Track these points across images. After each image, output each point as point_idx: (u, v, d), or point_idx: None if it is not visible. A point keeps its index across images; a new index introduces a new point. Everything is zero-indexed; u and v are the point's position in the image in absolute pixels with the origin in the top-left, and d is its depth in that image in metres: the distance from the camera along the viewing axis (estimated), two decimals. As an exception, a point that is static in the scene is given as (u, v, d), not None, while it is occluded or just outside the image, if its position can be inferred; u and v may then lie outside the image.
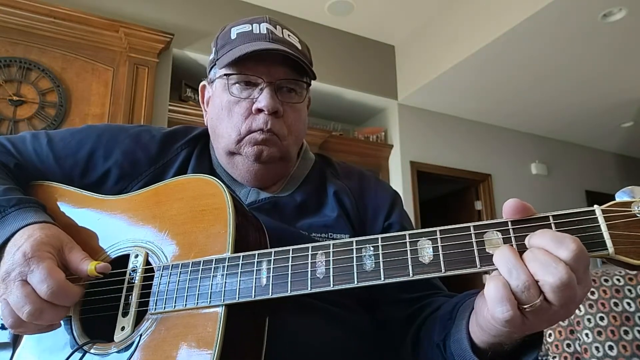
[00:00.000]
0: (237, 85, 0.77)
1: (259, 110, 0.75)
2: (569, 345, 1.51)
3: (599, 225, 0.46)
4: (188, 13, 3.52)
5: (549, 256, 0.44)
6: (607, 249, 0.45)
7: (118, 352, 0.60)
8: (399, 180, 4.24)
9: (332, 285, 0.52)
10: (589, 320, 1.43)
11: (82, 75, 2.89)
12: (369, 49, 4.35)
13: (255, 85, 0.76)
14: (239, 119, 0.76)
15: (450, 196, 5.05)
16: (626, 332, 1.37)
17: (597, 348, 1.39)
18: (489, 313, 0.46)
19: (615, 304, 1.41)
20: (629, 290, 1.43)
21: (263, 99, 0.74)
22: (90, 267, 0.62)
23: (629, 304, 1.41)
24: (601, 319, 1.41)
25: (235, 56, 0.73)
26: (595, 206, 0.47)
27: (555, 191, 5.17)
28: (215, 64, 0.81)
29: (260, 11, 3.78)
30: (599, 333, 1.40)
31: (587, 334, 1.42)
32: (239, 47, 0.76)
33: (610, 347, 1.37)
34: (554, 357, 1.56)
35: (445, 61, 3.89)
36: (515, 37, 3.42)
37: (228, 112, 0.77)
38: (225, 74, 0.77)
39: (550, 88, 4.25)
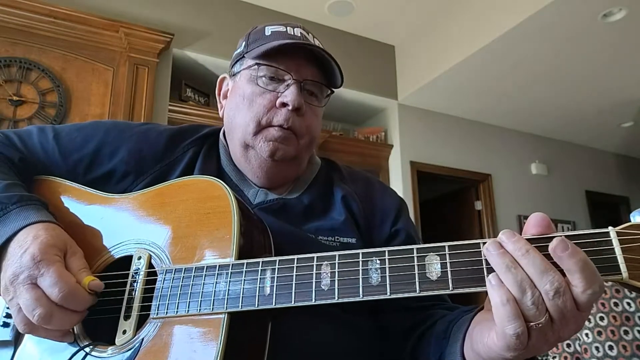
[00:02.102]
0: (264, 78, 0.77)
1: (283, 105, 0.75)
2: (569, 345, 1.51)
3: (613, 248, 0.45)
4: (188, 13, 3.52)
5: (546, 263, 0.44)
6: (620, 274, 0.44)
7: (119, 355, 0.59)
8: (399, 180, 4.24)
9: (336, 298, 0.51)
10: (589, 320, 1.43)
11: (82, 75, 2.89)
12: (369, 49, 4.35)
13: (282, 81, 0.77)
14: (260, 110, 0.76)
15: (450, 196, 5.05)
16: (626, 332, 1.37)
17: (597, 348, 1.39)
18: (499, 329, 0.45)
19: (615, 304, 1.41)
20: (629, 290, 1.43)
21: (289, 93, 0.74)
22: (84, 281, 0.60)
23: (629, 304, 1.41)
24: (601, 319, 1.41)
25: (271, 46, 0.74)
26: (610, 228, 0.46)
27: (555, 191, 5.17)
28: (243, 57, 0.81)
29: (260, 11, 3.78)
30: (599, 333, 1.40)
31: (587, 334, 1.43)
32: (274, 42, 0.76)
33: (610, 347, 1.37)
34: (554, 357, 1.56)
35: (445, 61, 3.89)
36: (515, 37, 3.42)
37: (250, 103, 0.77)
38: (256, 64, 0.77)
39: (550, 88, 4.25)
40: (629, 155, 6.11)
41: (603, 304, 1.43)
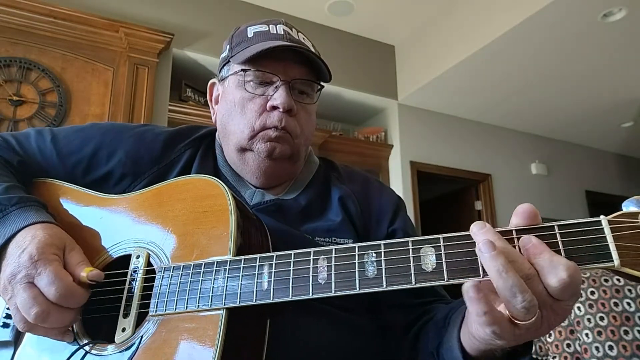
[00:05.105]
0: (252, 82, 0.77)
1: (274, 108, 0.75)
2: (569, 345, 1.51)
3: (605, 237, 0.45)
4: (188, 13, 3.52)
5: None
6: (612, 261, 0.44)
7: (119, 353, 0.60)
8: (399, 180, 4.24)
9: (333, 291, 0.52)
10: (589, 320, 1.43)
11: (82, 75, 2.89)
12: (369, 49, 4.35)
13: (270, 84, 0.76)
14: (252, 115, 0.76)
15: (450, 196, 5.04)
16: (626, 332, 1.37)
17: (597, 348, 1.39)
18: (482, 330, 0.46)
19: (615, 304, 1.41)
20: (629, 290, 1.43)
21: (279, 96, 0.74)
22: (83, 273, 0.61)
23: (629, 304, 1.41)
24: (601, 319, 1.41)
25: (255, 51, 0.73)
26: (602, 216, 0.46)
27: (555, 191, 5.17)
28: (229, 61, 0.81)
29: (260, 11, 3.78)
30: (599, 333, 1.40)
31: (587, 334, 1.42)
32: (257, 44, 0.76)
33: (610, 347, 1.37)
34: (554, 357, 1.55)
35: (445, 61, 3.89)
36: (515, 37, 3.42)
37: (241, 109, 0.77)
38: (242, 70, 0.77)
39: (550, 88, 4.25)
40: (629, 155, 6.11)
41: (603, 304, 1.43)
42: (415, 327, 0.71)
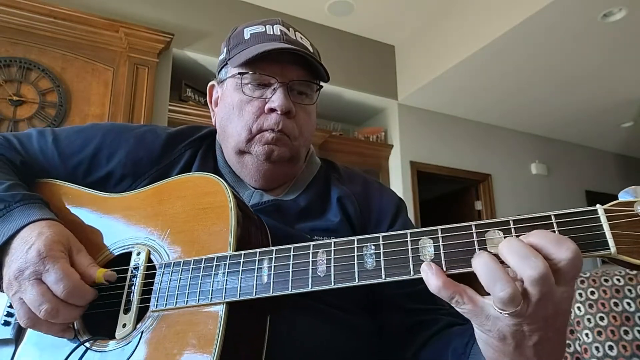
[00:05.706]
0: (249, 85, 0.76)
1: (272, 110, 0.75)
2: (569, 345, 1.51)
3: (601, 225, 0.45)
4: (188, 13, 3.52)
5: (527, 249, 0.43)
6: (609, 249, 0.45)
7: (119, 348, 0.60)
8: (399, 180, 4.24)
9: (333, 284, 0.52)
10: (589, 320, 1.43)
11: (82, 75, 2.89)
12: (369, 49, 4.35)
13: (268, 86, 0.76)
14: (250, 118, 0.76)
15: (450, 196, 5.05)
16: (626, 332, 1.37)
17: (597, 348, 1.39)
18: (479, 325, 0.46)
19: (615, 304, 1.41)
20: (629, 290, 1.43)
21: (276, 99, 0.74)
22: (97, 274, 0.62)
23: (629, 304, 1.40)
24: (601, 319, 1.41)
25: (252, 55, 0.73)
26: (598, 205, 0.46)
27: (555, 191, 5.18)
28: (226, 64, 0.81)
29: (260, 11, 3.78)
30: (599, 333, 1.40)
31: (587, 334, 1.42)
32: (253, 47, 0.76)
33: (610, 347, 1.37)
34: (554, 357, 1.55)
35: (445, 61, 3.89)
36: (515, 37, 3.42)
37: (239, 111, 0.77)
38: (239, 73, 0.77)
39: (550, 88, 4.25)
40: (629, 155, 6.12)
41: (603, 304, 1.42)
42: (421, 337, 0.70)
